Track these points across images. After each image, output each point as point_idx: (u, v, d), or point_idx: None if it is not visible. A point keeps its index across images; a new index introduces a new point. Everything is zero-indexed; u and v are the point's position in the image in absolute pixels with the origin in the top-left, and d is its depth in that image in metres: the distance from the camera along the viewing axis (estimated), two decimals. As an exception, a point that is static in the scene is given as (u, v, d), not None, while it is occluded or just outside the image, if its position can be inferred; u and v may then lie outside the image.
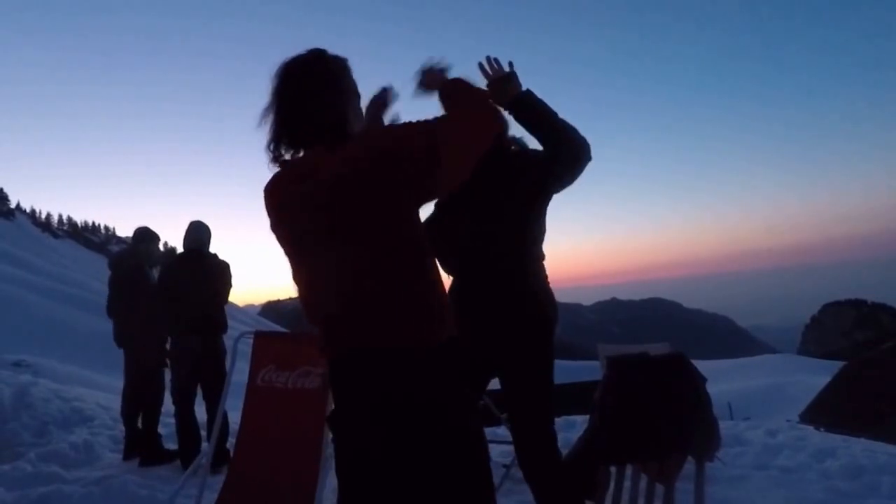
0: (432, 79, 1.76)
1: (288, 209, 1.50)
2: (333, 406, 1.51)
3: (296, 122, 1.50)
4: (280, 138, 1.51)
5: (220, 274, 4.67)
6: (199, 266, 4.61)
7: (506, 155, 2.29)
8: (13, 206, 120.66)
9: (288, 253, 1.54)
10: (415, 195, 1.45)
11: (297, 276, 1.53)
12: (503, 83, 2.19)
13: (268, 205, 1.54)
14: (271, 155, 1.52)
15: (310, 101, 1.49)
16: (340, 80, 1.55)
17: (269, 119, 1.52)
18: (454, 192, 2.20)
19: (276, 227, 1.54)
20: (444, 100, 1.69)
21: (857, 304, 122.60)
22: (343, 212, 1.40)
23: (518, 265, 2.24)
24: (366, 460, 1.42)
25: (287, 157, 1.53)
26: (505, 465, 3.88)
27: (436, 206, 2.37)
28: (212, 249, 4.79)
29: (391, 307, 1.39)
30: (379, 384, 1.38)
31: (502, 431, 4.44)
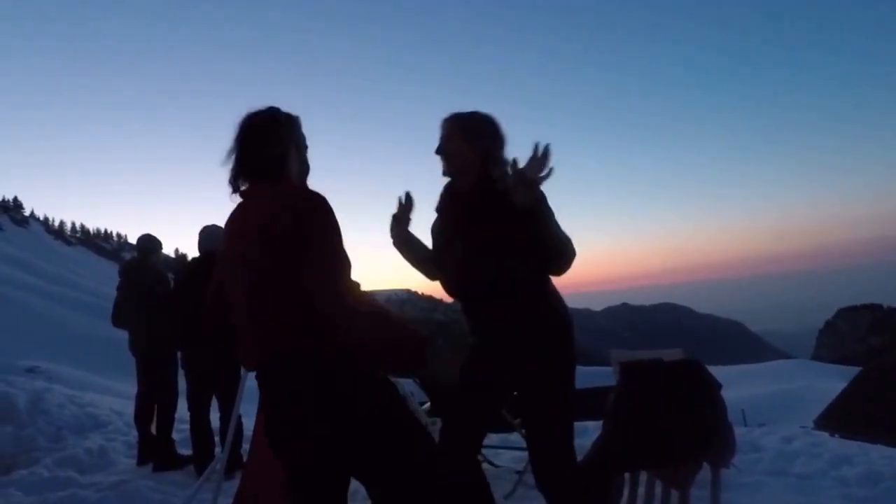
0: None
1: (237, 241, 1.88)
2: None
3: (249, 162, 1.87)
4: (238, 174, 1.89)
5: None
6: (211, 270, 4.61)
7: (495, 189, 2.20)
8: (27, 214, 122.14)
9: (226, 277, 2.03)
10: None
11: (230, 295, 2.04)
12: (535, 185, 2.04)
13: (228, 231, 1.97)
14: (231, 187, 1.89)
15: (261, 147, 1.87)
16: (286, 133, 1.91)
17: (232, 159, 1.89)
18: (450, 223, 2.31)
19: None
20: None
21: (873, 309, 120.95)
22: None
23: (518, 282, 2.20)
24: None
25: (243, 188, 1.90)
26: (518, 472, 3.86)
27: (437, 234, 2.41)
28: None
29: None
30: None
31: (515, 437, 4.41)
